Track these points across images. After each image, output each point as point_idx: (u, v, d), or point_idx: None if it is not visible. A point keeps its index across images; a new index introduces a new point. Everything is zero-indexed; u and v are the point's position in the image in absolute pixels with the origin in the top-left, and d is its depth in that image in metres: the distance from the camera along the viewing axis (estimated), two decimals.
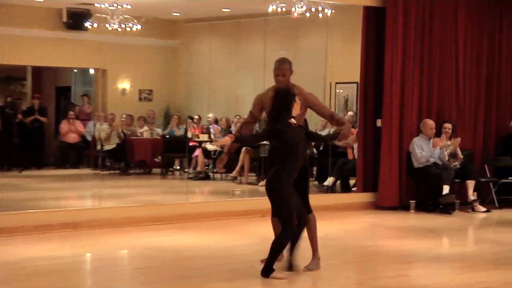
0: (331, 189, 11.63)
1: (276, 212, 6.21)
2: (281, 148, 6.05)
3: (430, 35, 11.02)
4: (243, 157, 13.42)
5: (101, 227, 8.46)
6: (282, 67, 6.39)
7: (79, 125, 15.48)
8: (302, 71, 15.30)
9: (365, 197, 10.94)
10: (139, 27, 13.86)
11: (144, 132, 15.09)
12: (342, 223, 9.55)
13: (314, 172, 13.17)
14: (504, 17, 11.84)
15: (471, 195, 10.72)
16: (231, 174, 13.68)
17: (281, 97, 6.08)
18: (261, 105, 6.51)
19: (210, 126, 15.07)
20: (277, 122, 6.03)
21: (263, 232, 8.37)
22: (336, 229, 9.06)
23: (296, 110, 6.05)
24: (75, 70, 16.81)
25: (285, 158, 5.99)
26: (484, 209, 10.72)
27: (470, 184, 10.75)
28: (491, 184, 11.26)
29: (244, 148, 13.46)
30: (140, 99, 16.53)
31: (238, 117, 14.84)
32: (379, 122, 10.95)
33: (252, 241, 7.99)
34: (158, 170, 15.05)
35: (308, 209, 6.36)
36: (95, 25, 13.73)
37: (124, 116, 15.23)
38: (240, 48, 16.24)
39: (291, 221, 6.00)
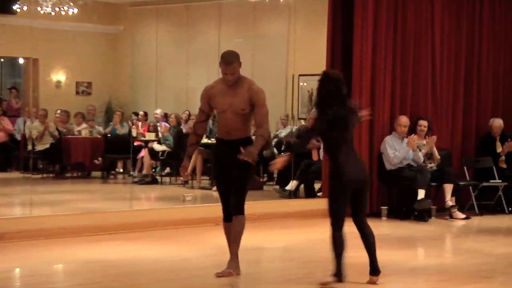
0: (294, 194, 11.67)
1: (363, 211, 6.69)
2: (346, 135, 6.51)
3: (404, 23, 11.14)
4: (195, 158, 13.35)
5: (32, 238, 8.35)
6: (230, 67, 6.41)
7: (6, 122, 15.28)
8: (261, 62, 15.40)
9: None
10: (75, 11, 13.74)
11: (82, 130, 14.96)
12: (306, 232, 9.59)
13: (275, 175, 13.24)
14: (484, 5, 12.04)
15: (449, 200, 10.86)
16: (182, 178, 13.64)
17: (335, 82, 6.47)
18: (208, 99, 6.58)
19: (158, 124, 15.01)
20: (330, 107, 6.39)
21: (218, 242, 8.36)
22: (300, 239, 9.09)
23: None
24: (2, 60, 16.61)
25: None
26: (463, 215, 10.86)
27: (448, 188, 10.88)
28: (470, 188, 11.42)
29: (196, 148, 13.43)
30: (77, 92, 16.40)
31: (187, 112, 14.82)
32: None
33: (206, 252, 7.98)
34: (98, 174, 14.93)
35: (241, 210, 6.55)
36: (25, 8, 13.55)
37: (58, 112, 15.09)
38: (191, 36, 16.19)
39: None
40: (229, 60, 6.44)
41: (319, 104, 6.50)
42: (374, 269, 6.56)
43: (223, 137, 6.59)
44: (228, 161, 6.46)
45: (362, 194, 6.54)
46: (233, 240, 6.56)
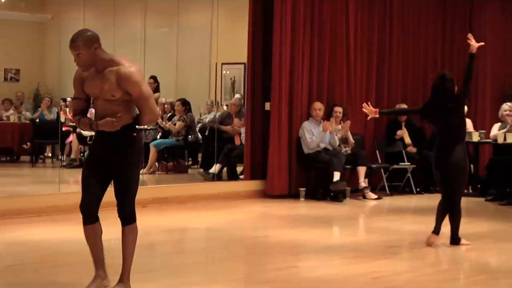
0: (217, 177, 11.64)
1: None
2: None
3: (320, 15, 11.21)
4: None
5: None
6: (73, 45, 5.03)
7: None
8: (186, 52, 15.30)
9: (253, 185, 11.02)
10: None
11: (11, 116, 14.70)
12: (229, 213, 9.59)
13: (199, 159, 13.19)
14: (394, 2, 12.21)
15: (362, 182, 11.01)
16: None
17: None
18: (82, 83, 5.19)
19: None
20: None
21: (145, 224, 8.28)
22: (222, 219, 9.09)
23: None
24: None
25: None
26: (375, 196, 11.03)
27: (361, 170, 11.03)
28: (382, 170, 11.59)
29: None
30: (5, 79, 16.05)
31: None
32: (267, 106, 11.05)
33: None
34: (27, 158, 14.65)
35: (132, 217, 5.21)
36: None
37: None
38: (117, 25, 15.96)
39: None
40: (73, 38, 5.05)
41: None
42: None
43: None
44: (106, 156, 5.12)
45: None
46: (127, 256, 5.21)
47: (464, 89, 7.33)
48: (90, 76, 5.11)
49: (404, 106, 11.96)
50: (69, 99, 15.24)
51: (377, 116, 7.97)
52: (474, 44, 7.29)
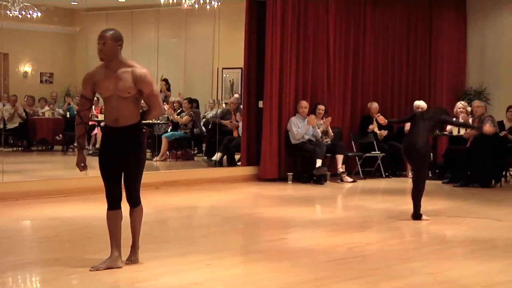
0: (218, 164, 11.64)
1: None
2: None
3: (305, 26, 11.19)
4: None
5: (5, 200, 8.13)
6: (103, 35, 4.93)
7: None
8: (192, 58, 15.27)
9: (248, 170, 11.03)
10: (39, 14, 13.36)
11: (46, 112, 14.69)
12: (229, 193, 9.60)
13: (203, 148, 13.19)
14: (367, 13, 12.20)
15: (340, 168, 11.01)
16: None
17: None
18: (92, 84, 5.01)
19: None
20: None
21: (158, 203, 8.32)
22: (223, 199, 9.10)
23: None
24: None
25: None
26: (351, 179, 11.04)
27: (339, 158, 11.04)
28: (357, 158, 11.61)
29: None
30: (41, 81, 16.01)
31: None
32: (260, 104, 11.05)
33: (147, 211, 7.83)
34: (59, 148, 14.63)
35: (138, 201, 5.16)
36: None
37: (26, 97, 14.75)
38: (135, 36, 15.94)
39: None
40: (103, 30, 4.99)
41: None
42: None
43: (105, 123, 5.06)
44: (118, 150, 4.99)
45: None
46: (135, 234, 5.20)
47: (445, 120, 8.05)
48: (103, 77, 4.95)
49: (375, 104, 11.97)
50: (95, 98, 15.26)
51: (385, 122, 9.09)
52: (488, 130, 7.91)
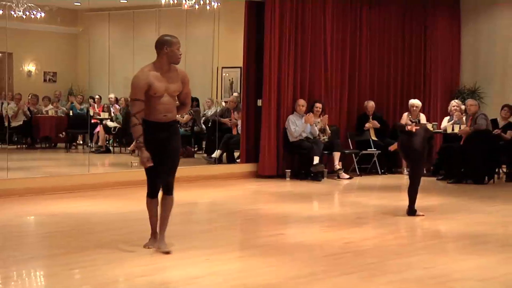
0: (218, 161, 11.64)
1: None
2: None
3: (303, 27, 11.18)
4: None
5: (9, 196, 8.13)
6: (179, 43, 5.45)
7: None
8: (193, 57, 15.23)
9: (247, 167, 11.03)
10: (43, 14, 13.36)
11: (49, 110, 14.69)
12: (228, 190, 9.61)
13: (203, 146, 13.18)
14: (363, 13, 12.20)
15: (337, 165, 11.01)
16: (129, 148, 13.47)
17: None
18: (147, 87, 5.30)
19: (111, 105, 14.78)
20: None
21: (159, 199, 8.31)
22: (223, 195, 9.11)
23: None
24: None
25: None
26: (347, 176, 11.04)
27: (336, 155, 11.04)
28: (353, 155, 11.61)
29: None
30: (45, 80, 15.98)
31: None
32: (259, 102, 11.04)
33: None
34: (62, 145, 14.63)
35: (173, 190, 5.50)
36: (1, 12, 13.08)
37: (30, 95, 14.75)
38: (136, 36, 15.93)
39: None
40: (177, 39, 5.50)
41: None
42: None
43: (158, 120, 5.35)
44: (167, 143, 5.37)
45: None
46: (166, 219, 5.52)
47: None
48: (159, 78, 5.32)
49: (372, 102, 11.97)
50: (97, 96, 15.23)
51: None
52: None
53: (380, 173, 11.67)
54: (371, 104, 11.94)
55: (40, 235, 6.43)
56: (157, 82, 5.31)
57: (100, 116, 14.33)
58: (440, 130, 11.44)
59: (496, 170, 11.04)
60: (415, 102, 11.65)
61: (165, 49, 5.43)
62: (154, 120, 5.33)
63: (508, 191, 9.92)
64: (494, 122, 11.25)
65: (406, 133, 7.37)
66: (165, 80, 5.35)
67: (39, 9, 13.30)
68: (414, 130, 7.31)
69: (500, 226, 7.10)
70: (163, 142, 5.34)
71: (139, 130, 5.27)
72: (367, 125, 11.77)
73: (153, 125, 5.33)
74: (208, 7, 12.29)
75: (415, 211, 7.45)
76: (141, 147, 5.30)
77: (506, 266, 5.31)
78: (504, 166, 11.25)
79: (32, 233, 6.65)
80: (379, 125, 11.80)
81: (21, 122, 14.22)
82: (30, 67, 15.87)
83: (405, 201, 7.56)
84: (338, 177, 10.96)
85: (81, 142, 15.05)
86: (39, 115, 14.51)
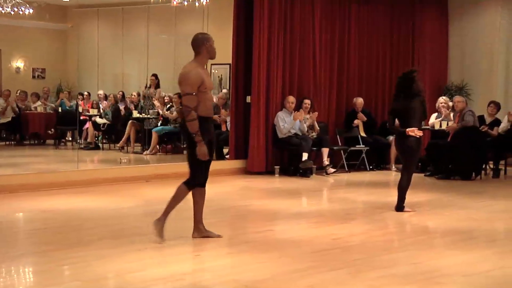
0: None
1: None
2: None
3: (292, 24, 11.19)
4: (129, 129, 13.19)
5: None
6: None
7: None
8: (182, 54, 15.19)
9: (237, 163, 11.03)
10: (31, 11, 13.28)
11: (38, 107, 14.60)
12: (217, 186, 9.58)
13: None
14: (352, 11, 12.21)
15: (326, 161, 11.04)
16: (118, 144, 13.44)
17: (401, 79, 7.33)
18: (201, 82, 5.43)
19: (100, 102, 14.72)
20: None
21: (148, 195, 8.31)
22: (212, 191, 9.00)
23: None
24: None
25: None
26: (333, 170, 11.04)
27: (325, 151, 11.06)
28: (342, 151, 11.63)
29: (130, 121, 13.23)
30: (33, 76, 15.91)
31: (121, 92, 14.55)
32: (248, 99, 11.04)
33: (138, 203, 7.89)
34: (51, 141, 14.57)
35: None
36: None
37: (18, 92, 14.67)
38: (125, 32, 15.87)
39: None
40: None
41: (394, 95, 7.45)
42: None
43: (208, 115, 5.52)
44: (214, 136, 5.70)
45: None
46: (202, 207, 5.79)
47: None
48: (207, 74, 5.54)
49: (360, 99, 11.99)
50: (86, 93, 15.16)
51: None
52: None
53: (368, 169, 11.70)
54: (360, 100, 11.97)
55: (30, 231, 6.40)
56: (207, 78, 5.49)
57: (89, 112, 14.28)
58: (427, 127, 11.48)
59: (483, 166, 11.10)
60: None
61: (206, 44, 5.55)
62: (205, 116, 5.46)
63: (495, 187, 9.98)
64: (481, 118, 11.31)
65: (402, 132, 7.37)
66: (209, 76, 5.55)
67: (28, 5, 13.24)
68: (408, 133, 7.30)
69: (488, 221, 7.14)
70: (212, 136, 5.58)
71: (196, 124, 5.39)
72: (355, 121, 11.80)
73: (204, 120, 5.46)
74: (197, 4, 12.28)
75: (403, 207, 7.48)
76: (200, 141, 5.41)
77: (494, 261, 5.35)
78: (491, 162, 11.31)
79: (21, 229, 6.62)
80: (365, 119, 11.83)
81: (9, 119, 14.15)
82: (18, 63, 15.78)
83: (393, 197, 7.59)
84: (327, 173, 10.98)
85: (70, 138, 15.00)
86: (27, 111, 14.44)
